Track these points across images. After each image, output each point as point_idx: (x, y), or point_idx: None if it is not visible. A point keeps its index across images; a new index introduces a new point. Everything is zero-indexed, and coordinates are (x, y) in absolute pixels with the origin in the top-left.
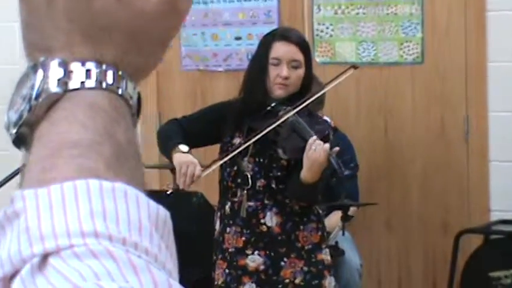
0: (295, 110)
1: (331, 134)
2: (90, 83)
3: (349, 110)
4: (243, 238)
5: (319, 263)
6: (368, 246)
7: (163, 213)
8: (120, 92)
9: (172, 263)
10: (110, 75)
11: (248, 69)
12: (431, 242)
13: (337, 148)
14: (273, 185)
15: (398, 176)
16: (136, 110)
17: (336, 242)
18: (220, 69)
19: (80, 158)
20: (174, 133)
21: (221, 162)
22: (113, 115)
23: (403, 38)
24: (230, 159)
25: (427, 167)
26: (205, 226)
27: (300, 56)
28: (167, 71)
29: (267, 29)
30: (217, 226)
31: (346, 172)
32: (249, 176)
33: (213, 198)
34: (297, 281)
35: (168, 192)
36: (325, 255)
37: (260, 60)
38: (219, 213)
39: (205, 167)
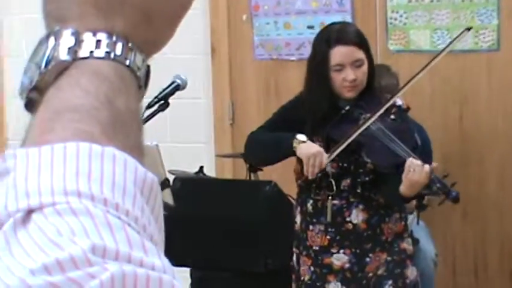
0: (375, 116)
1: (417, 139)
2: (99, 52)
3: (423, 98)
4: (328, 237)
5: (401, 252)
6: (443, 235)
7: (151, 178)
8: (127, 63)
9: (156, 227)
10: (119, 46)
11: (308, 79)
12: (508, 231)
13: (434, 164)
14: (359, 190)
15: (474, 165)
16: (145, 82)
17: (411, 231)
18: (293, 58)
19: (78, 122)
20: (272, 134)
21: (339, 150)
22: (116, 84)
23: (479, 25)
24: None
25: (504, 155)
26: (280, 215)
27: (360, 54)
28: (240, 60)
29: (340, 18)
30: (298, 220)
31: (454, 193)
32: (334, 183)
33: (285, 187)
34: (379, 272)
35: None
36: (407, 245)
37: (320, 70)
38: (299, 208)
39: (329, 155)
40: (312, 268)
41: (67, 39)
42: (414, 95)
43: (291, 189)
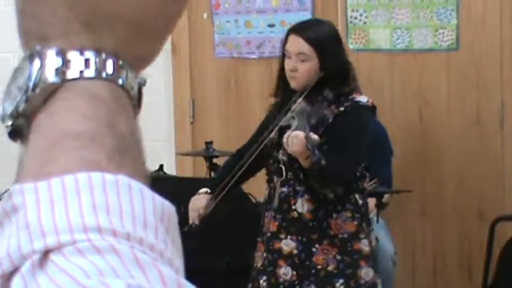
0: (299, 101)
1: (326, 118)
2: (89, 72)
3: (383, 97)
4: (276, 223)
5: (354, 252)
6: (402, 233)
7: (169, 207)
8: (120, 82)
9: (178, 258)
10: (109, 64)
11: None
12: (467, 230)
13: (315, 136)
14: (301, 176)
15: (433, 164)
16: (137, 101)
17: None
18: (253, 56)
19: (81, 150)
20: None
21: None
22: (113, 106)
23: (438, 24)
24: (267, 153)
25: (462, 154)
26: (240, 213)
27: (307, 49)
28: (200, 58)
29: (300, 16)
30: None
31: (316, 157)
32: (283, 168)
33: (245, 186)
34: (329, 268)
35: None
36: (364, 246)
37: (281, 53)
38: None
39: (205, 205)
40: (265, 254)
41: (52, 59)
42: (374, 94)
43: (251, 187)
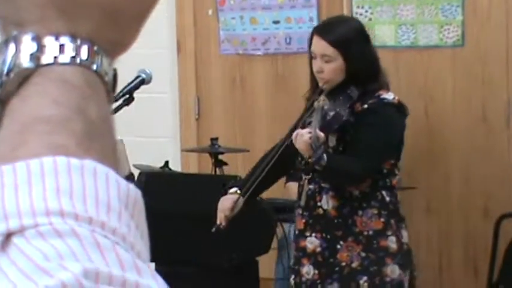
0: (319, 99)
1: (336, 122)
2: (64, 58)
3: None
4: (303, 220)
5: (380, 249)
6: (407, 230)
7: (134, 192)
8: (94, 67)
9: (142, 243)
10: (84, 50)
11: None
12: (472, 227)
13: (321, 134)
14: None
15: (438, 161)
16: (112, 87)
17: None
18: (259, 53)
19: (51, 134)
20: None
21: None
22: (86, 91)
23: (443, 20)
24: (295, 149)
25: (467, 151)
26: (244, 210)
27: (330, 51)
28: (206, 55)
29: (305, 13)
30: None
31: (316, 156)
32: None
33: None
34: (353, 265)
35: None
36: (391, 243)
37: (309, 55)
38: None
39: (231, 207)
40: (295, 252)
41: (28, 44)
42: None
43: None
